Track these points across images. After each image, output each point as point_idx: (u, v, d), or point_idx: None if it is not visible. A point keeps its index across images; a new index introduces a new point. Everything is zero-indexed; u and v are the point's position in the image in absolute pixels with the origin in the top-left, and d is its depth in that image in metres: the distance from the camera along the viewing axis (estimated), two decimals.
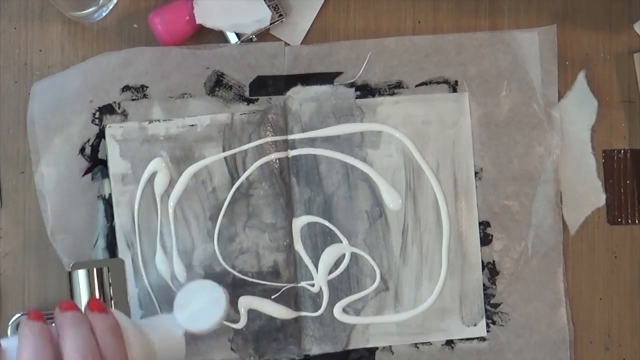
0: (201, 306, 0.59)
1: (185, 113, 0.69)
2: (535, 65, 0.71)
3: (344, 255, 0.70)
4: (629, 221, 0.72)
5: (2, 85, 0.70)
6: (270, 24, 0.69)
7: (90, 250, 0.69)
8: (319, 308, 0.69)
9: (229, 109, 0.70)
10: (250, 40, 0.70)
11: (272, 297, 0.69)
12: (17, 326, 0.68)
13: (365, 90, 0.70)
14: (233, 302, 0.69)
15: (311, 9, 0.71)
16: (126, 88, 0.69)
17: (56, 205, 0.68)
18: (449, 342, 0.70)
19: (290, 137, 0.70)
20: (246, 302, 0.69)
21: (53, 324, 0.51)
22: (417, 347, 0.70)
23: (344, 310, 0.70)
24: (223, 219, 0.69)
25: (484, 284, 0.70)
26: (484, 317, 0.70)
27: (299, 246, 0.69)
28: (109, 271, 0.68)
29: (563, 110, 0.72)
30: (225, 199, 0.69)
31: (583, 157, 0.72)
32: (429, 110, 0.70)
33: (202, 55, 0.69)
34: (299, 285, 0.69)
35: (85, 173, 0.69)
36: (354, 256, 0.70)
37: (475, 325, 0.70)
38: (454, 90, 0.71)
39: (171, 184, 0.69)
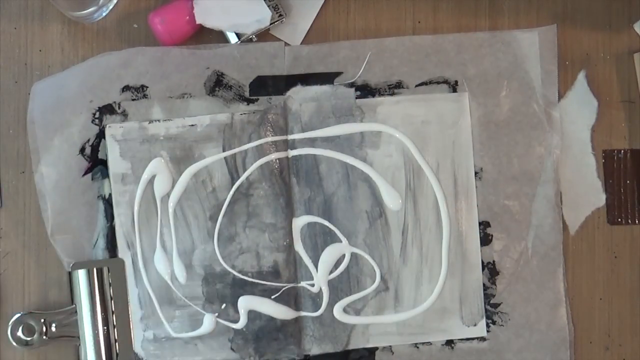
0: None
1: (185, 113, 0.69)
2: (535, 65, 0.71)
3: (344, 255, 0.70)
4: (629, 221, 0.72)
5: (2, 85, 0.70)
6: (270, 24, 0.69)
7: (90, 250, 0.69)
8: (319, 308, 0.69)
9: (229, 109, 0.70)
10: (250, 40, 0.70)
11: (272, 297, 0.69)
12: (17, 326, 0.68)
13: (365, 90, 0.70)
14: (233, 302, 0.69)
15: (311, 9, 0.71)
16: (126, 88, 0.69)
17: (56, 205, 0.68)
18: (449, 342, 0.70)
19: (290, 137, 0.70)
20: (246, 302, 0.69)
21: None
22: (417, 347, 0.70)
23: (344, 310, 0.70)
24: (223, 219, 0.69)
25: (484, 284, 0.70)
26: (484, 317, 0.70)
27: (299, 246, 0.69)
28: (109, 271, 0.68)
29: (563, 110, 0.72)
30: (225, 199, 0.69)
31: (583, 157, 0.72)
32: (429, 110, 0.70)
33: (202, 55, 0.69)
34: (299, 285, 0.69)
35: (85, 173, 0.69)
36: (354, 256, 0.70)
37: (475, 325, 0.70)
38: (454, 90, 0.71)
39: (171, 185, 0.69)
